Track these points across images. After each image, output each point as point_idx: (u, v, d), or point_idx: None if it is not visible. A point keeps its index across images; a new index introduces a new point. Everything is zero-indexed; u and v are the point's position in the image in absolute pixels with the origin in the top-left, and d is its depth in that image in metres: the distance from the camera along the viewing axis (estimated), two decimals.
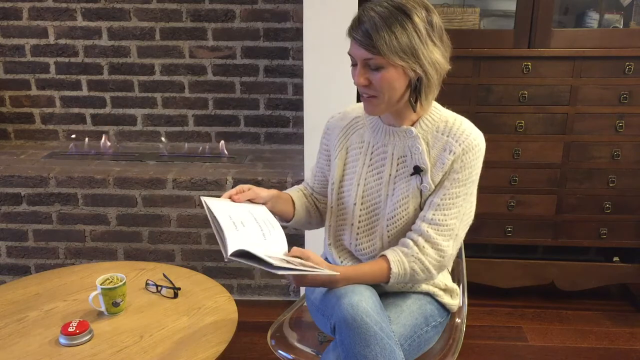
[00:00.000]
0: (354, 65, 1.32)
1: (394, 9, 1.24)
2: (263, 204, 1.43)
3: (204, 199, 1.36)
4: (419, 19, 1.25)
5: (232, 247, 1.20)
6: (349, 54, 1.31)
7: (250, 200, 1.42)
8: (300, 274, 1.21)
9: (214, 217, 1.29)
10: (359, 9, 1.29)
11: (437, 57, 1.28)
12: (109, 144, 2.74)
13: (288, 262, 1.20)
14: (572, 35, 2.26)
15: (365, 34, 1.24)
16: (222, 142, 2.74)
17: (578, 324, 2.43)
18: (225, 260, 1.23)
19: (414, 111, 1.35)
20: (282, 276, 1.25)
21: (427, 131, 1.37)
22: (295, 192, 1.57)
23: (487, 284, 2.53)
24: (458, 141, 1.34)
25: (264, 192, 1.44)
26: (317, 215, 1.59)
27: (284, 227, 1.39)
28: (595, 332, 2.37)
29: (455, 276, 1.65)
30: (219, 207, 1.32)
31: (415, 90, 1.31)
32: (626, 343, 2.30)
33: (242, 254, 1.18)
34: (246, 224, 1.29)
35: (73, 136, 2.84)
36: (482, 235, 2.44)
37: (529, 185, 2.39)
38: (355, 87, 2.20)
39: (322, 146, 1.56)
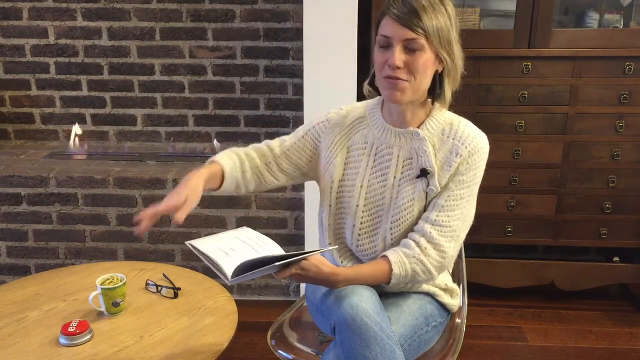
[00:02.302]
0: (383, 47, 1.28)
1: None
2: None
3: (188, 243, 1.32)
4: (452, 11, 1.28)
5: (229, 270, 1.19)
6: (383, 34, 1.27)
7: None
8: (300, 257, 1.19)
9: (203, 254, 1.27)
10: None
11: (460, 53, 1.32)
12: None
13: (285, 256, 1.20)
14: (572, 35, 2.26)
15: (413, 12, 1.23)
16: (216, 141, 2.74)
17: (578, 324, 2.43)
18: (228, 284, 1.22)
19: (432, 104, 1.36)
20: (285, 275, 1.24)
21: (433, 134, 1.37)
22: (230, 164, 1.44)
23: (487, 284, 2.53)
24: (464, 144, 1.34)
25: (196, 193, 1.31)
26: (250, 185, 1.49)
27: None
28: (595, 332, 2.37)
29: (455, 276, 1.65)
30: (204, 243, 1.30)
31: (437, 84, 1.32)
32: (626, 343, 2.30)
33: (242, 269, 1.17)
34: (236, 249, 1.29)
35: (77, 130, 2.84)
36: (482, 235, 2.43)
37: (529, 185, 2.39)
38: (355, 88, 2.22)
39: (313, 131, 1.50)
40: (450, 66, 1.30)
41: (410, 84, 1.28)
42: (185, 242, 1.32)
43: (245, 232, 1.39)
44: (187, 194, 1.28)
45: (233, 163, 1.46)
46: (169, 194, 1.30)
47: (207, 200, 2.46)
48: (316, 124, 1.51)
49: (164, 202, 1.27)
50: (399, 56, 1.25)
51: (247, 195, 2.45)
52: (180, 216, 1.24)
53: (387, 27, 1.26)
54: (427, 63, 1.27)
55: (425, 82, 1.30)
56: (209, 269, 1.26)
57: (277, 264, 1.15)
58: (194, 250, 1.30)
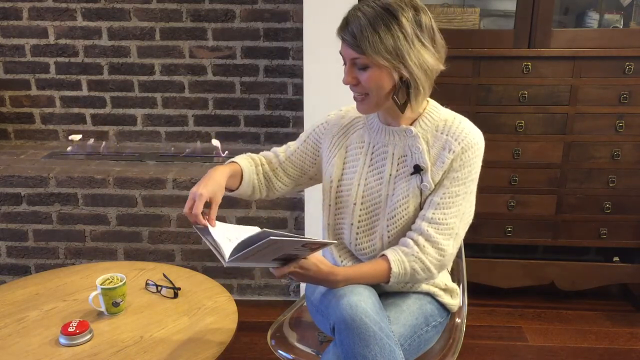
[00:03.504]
0: (345, 64, 1.34)
1: (380, 10, 1.26)
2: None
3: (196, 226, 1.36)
4: (405, 19, 1.25)
5: (227, 251, 1.20)
6: (340, 53, 1.34)
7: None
8: (296, 239, 1.18)
9: (209, 233, 1.29)
10: (348, 10, 1.31)
11: (426, 58, 1.28)
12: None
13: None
14: (572, 35, 2.26)
15: (351, 33, 1.27)
16: (217, 140, 2.75)
17: (578, 324, 2.43)
18: (225, 266, 1.22)
19: (402, 112, 1.35)
20: (284, 273, 1.25)
21: (427, 130, 1.37)
22: (247, 166, 1.50)
23: (487, 284, 2.53)
24: (457, 140, 1.34)
25: (222, 190, 1.38)
26: (263, 190, 1.55)
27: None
28: (595, 332, 2.37)
29: (455, 276, 1.65)
30: (211, 228, 1.33)
31: (402, 91, 1.31)
32: (626, 343, 2.30)
33: (238, 250, 1.17)
34: (240, 238, 1.29)
35: (74, 137, 2.84)
36: (482, 235, 2.43)
37: (529, 185, 2.39)
38: None
39: (314, 134, 1.54)
40: (406, 76, 1.28)
41: (368, 98, 1.33)
42: (194, 226, 1.35)
43: (251, 229, 1.39)
44: (214, 190, 1.35)
45: (250, 166, 1.52)
46: (196, 187, 1.34)
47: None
48: (316, 126, 1.54)
49: (194, 197, 1.32)
50: (348, 74, 1.32)
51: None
52: (213, 222, 1.33)
53: (341, 47, 1.33)
54: (376, 78, 1.29)
55: (383, 93, 1.31)
56: (209, 269, 1.27)
57: (273, 237, 1.13)
58: (199, 232, 1.33)
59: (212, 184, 1.36)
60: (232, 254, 1.18)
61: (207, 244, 1.30)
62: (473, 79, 2.29)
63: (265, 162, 1.55)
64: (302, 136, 1.57)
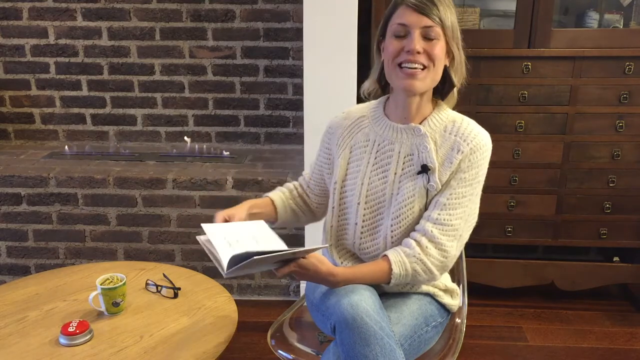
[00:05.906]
0: (399, 36, 1.30)
1: None
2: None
3: (205, 226, 1.37)
4: (455, 11, 1.33)
5: (225, 260, 1.19)
6: (401, 22, 1.29)
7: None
8: (291, 251, 1.19)
9: (210, 241, 1.30)
10: None
11: (463, 51, 1.35)
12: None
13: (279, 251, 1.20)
14: (572, 35, 2.26)
15: (430, 1, 1.27)
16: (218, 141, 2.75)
17: (578, 324, 2.43)
18: (224, 276, 1.22)
19: (442, 99, 1.39)
20: (284, 273, 1.25)
21: (435, 130, 1.37)
22: (279, 196, 1.58)
23: (487, 284, 2.53)
24: (466, 140, 1.34)
25: (240, 213, 1.43)
26: (307, 212, 1.61)
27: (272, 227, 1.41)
28: (595, 332, 2.37)
29: (455, 276, 1.65)
30: (214, 231, 1.33)
31: (446, 80, 1.36)
32: (626, 343, 2.30)
33: (236, 260, 1.17)
34: (241, 241, 1.29)
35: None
36: (482, 235, 2.43)
37: (529, 185, 2.38)
38: (355, 88, 2.22)
39: (323, 145, 1.55)
40: (458, 60, 1.33)
41: (429, 71, 1.31)
42: (202, 225, 1.36)
43: (257, 225, 1.39)
44: (231, 212, 1.43)
45: (282, 194, 1.59)
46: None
47: (207, 201, 2.46)
48: (323, 137, 1.55)
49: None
50: (418, 41, 1.28)
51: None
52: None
53: (405, 16, 1.29)
54: (442, 52, 1.31)
55: (440, 72, 1.33)
56: (209, 269, 1.27)
57: (255, 258, 1.14)
58: (201, 244, 1.34)
59: (233, 209, 1.43)
60: (227, 267, 1.18)
61: (209, 255, 1.30)
62: (473, 79, 2.27)
63: (298, 185, 1.62)
64: (317, 153, 1.59)
